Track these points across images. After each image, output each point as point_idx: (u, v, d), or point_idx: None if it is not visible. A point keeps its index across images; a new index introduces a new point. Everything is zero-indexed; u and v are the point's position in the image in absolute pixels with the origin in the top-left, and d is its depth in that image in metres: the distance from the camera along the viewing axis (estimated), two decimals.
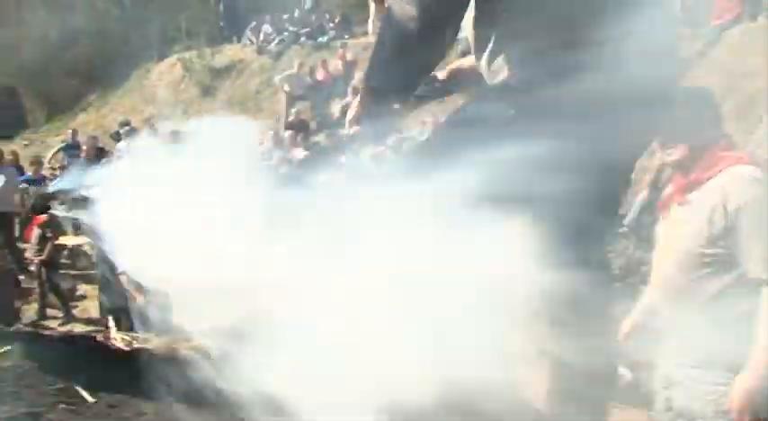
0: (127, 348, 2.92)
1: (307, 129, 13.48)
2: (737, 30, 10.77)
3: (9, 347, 1.99)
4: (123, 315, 7.38)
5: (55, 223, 9.18)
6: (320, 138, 13.10)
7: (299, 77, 15.36)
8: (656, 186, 8.74)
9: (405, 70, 1.85)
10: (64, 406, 1.78)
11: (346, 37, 17.49)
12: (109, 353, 2.41)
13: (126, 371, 2.23)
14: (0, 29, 20.37)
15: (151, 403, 1.96)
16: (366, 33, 17.49)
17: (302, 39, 17.85)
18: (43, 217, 9.24)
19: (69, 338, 2.68)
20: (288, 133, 12.55)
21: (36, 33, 20.44)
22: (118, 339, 3.16)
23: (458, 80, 2.30)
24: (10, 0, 21.46)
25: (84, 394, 1.88)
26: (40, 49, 20.58)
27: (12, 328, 2.30)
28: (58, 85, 21.35)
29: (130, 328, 7.00)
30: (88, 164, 9.60)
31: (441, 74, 2.33)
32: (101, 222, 2.07)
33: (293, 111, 14.47)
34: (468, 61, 2.24)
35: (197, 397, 2.13)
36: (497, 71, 1.92)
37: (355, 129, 1.95)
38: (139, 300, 6.86)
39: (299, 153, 11.54)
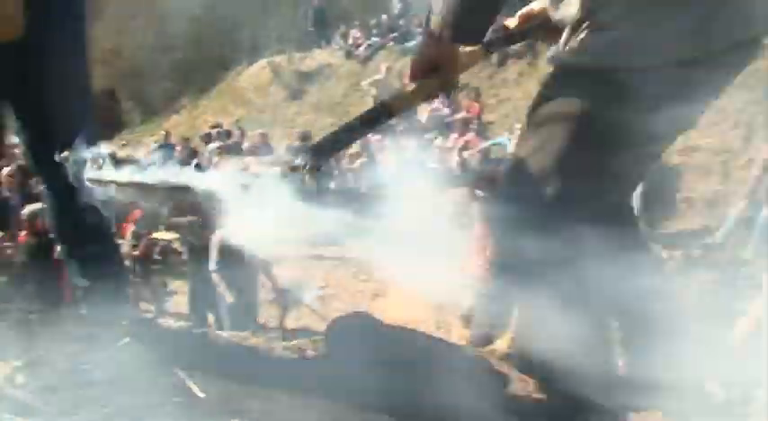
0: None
1: (394, 134, 13.52)
2: None
3: (126, 339, 2.05)
4: (212, 312, 7.57)
5: (148, 219, 9.48)
6: (408, 142, 13.13)
7: (387, 82, 15.44)
8: (754, 198, 8.41)
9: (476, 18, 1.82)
10: (177, 399, 1.82)
11: None
12: (217, 347, 2.47)
13: (233, 366, 2.28)
14: (102, 36, 21.20)
15: (257, 399, 1.99)
16: None
17: (390, 43, 17.93)
18: (138, 213, 9.54)
19: (180, 332, 2.75)
20: (375, 138, 12.62)
21: (135, 39, 21.24)
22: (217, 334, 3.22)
23: (529, 26, 2.21)
24: (110, 9, 22.32)
25: (195, 388, 1.93)
26: (138, 54, 21.38)
27: (125, 321, 2.39)
28: (154, 87, 22.10)
29: (219, 325, 7.18)
30: (181, 164, 9.82)
31: (511, 22, 2.26)
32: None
33: None
34: (539, 4, 2.17)
35: (300, 394, 2.15)
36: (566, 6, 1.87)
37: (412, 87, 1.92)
38: (228, 298, 7.04)
39: (386, 158, 11.58)
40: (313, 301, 8.57)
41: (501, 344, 4.32)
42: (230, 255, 7.07)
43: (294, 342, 3.01)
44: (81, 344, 2.00)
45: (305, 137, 12.62)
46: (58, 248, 6.05)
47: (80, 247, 2.78)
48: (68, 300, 5.38)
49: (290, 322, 7.91)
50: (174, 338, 2.41)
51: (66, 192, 2.56)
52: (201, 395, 1.90)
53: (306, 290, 8.66)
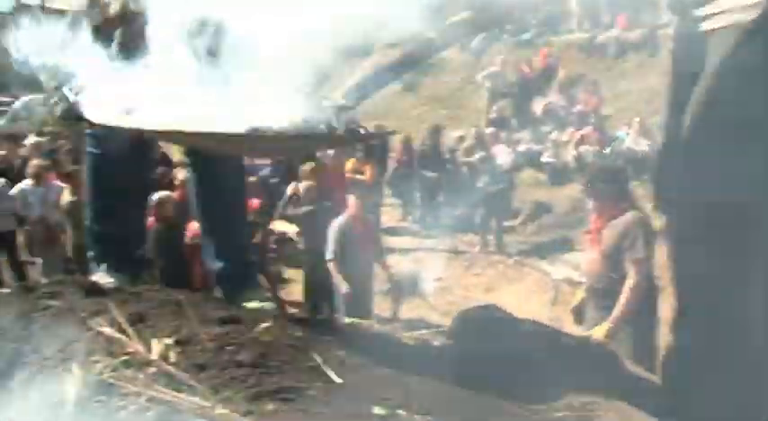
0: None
1: (508, 127, 13.39)
2: None
3: (268, 324, 2.11)
4: (326, 301, 7.69)
5: (266, 210, 9.70)
6: (522, 135, 12.97)
7: (502, 74, 15.26)
8: None
9: None
10: (318, 383, 1.86)
11: (549, 34, 17.14)
12: (345, 335, 2.51)
13: (363, 353, 2.30)
14: None
15: (395, 387, 2.01)
16: (571, 31, 17.06)
17: (505, 36, 17.69)
18: (256, 203, 9.77)
19: (311, 320, 2.82)
20: (489, 131, 12.51)
21: None
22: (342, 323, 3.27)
23: None
24: None
25: (332, 375, 1.96)
26: None
27: (263, 306, 2.49)
28: None
29: (332, 313, 7.28)
30: None
31: None
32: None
33: (495, 108, 14.40)
34: None
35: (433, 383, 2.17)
36: None
37: None
38: (343, 288, 7.11)
39: (501, 151, 11.46)
40: (427, 293, 8.60)
41: (598, 331, 4.27)
42: (346, 245, 7.16)
43: (417, 332, 3.03)
44: (224, 326, 2.07)
45: (436, 130, 12.50)
46: (191, 232, 6.31)
47: (217, 232, 2.90)
48: (198, 283, 5.60)
49: (403, 312, 7.95)
50: (306, 324, 2.46)
51: (211, 180, 2.68)
52: (339, 381, 1.94)
53: (420, 281, 8.70)
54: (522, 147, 12.53)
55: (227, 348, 1.91)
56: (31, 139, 11.03)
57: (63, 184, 8.70)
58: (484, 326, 2.59)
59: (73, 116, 2.50)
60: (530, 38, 17.18)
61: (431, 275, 9.14)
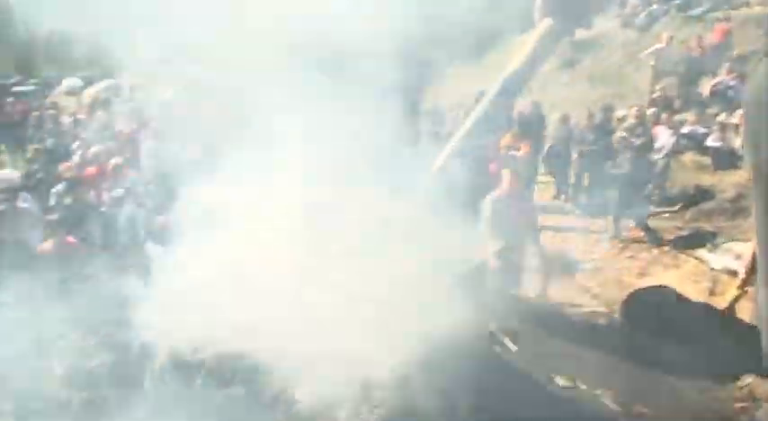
0: None
1: (671, 108, 12.80)
2: None
3: None
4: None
5: None
6: (686, 117, 12.36)
7: (668, 52, 14.54)
8: None
9: None
10: (497, 348, 1.91)
11: (725, 8, 16.15)
12: (522, 307, 2.54)
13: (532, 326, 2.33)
14: None
15: (570, 359, 2.03)
16: (748, 4, 16.01)
17: (672, 11, 16.86)
18: None
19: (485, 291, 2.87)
20: (651, 110, 12.01)
21: None
22: None
23: None
24: None
25: (509, 343, 2.01)
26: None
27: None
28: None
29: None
30: None
31: None
32: None
33: (658, 87, 13.79)
34: None
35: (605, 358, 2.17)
36: None
37: None
38: (493, 262, 7.10)
39: (663, 132, 11.00)
40: (578, 273, 8.46)
41: None
42: (499, 219, 7.13)
43: (582, 309, 3.03)
44: None
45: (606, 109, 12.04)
46: None
47: None
48: None
49: (552, 291, 7.86)
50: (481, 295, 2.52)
51: None
52: (514, 348, 1.98)
53: (572, 261, 8.56)
54: (685, 129, 11.94)
55: None
56: None
57: None
58: (659, 306, 2.56)
59: None
60: (700, 13, 16.30)
61: (584, 256, 8.98)
